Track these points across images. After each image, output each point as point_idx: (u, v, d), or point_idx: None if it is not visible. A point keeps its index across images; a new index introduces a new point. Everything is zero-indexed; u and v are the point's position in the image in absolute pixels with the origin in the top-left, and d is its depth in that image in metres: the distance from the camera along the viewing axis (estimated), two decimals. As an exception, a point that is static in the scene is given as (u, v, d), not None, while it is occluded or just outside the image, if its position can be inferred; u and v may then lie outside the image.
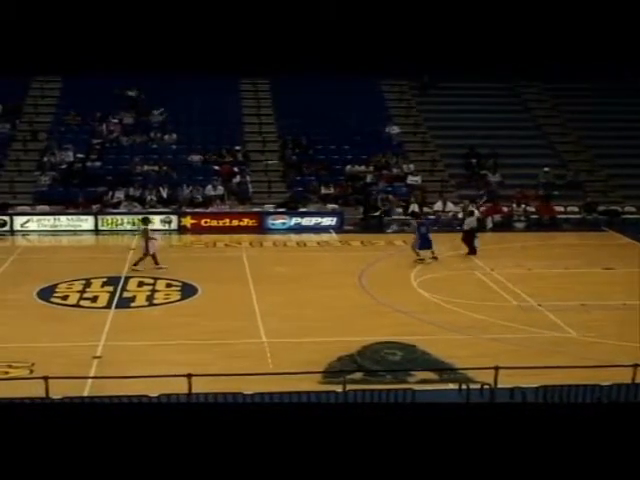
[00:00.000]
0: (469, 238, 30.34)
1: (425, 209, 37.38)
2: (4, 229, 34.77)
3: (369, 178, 40.28)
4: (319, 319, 22.66)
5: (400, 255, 30.59)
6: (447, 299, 24.45)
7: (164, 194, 37.98)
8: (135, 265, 27.60)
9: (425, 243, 29.27)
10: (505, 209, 37.92)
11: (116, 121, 42.92)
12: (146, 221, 29.09)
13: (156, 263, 27.78)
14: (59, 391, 15.92)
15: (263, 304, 24.01)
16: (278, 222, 36.46)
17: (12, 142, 41.76)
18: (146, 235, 27.94)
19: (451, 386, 17.26)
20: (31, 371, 18.48)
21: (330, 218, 36.67)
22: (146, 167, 39.83)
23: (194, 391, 15.79)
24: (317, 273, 28.07)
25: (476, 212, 31.20)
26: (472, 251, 30.15)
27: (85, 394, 16.84)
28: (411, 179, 40.41)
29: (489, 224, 36.28)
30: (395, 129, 43.94)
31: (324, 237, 34.86)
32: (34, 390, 15.84)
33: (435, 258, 29.34)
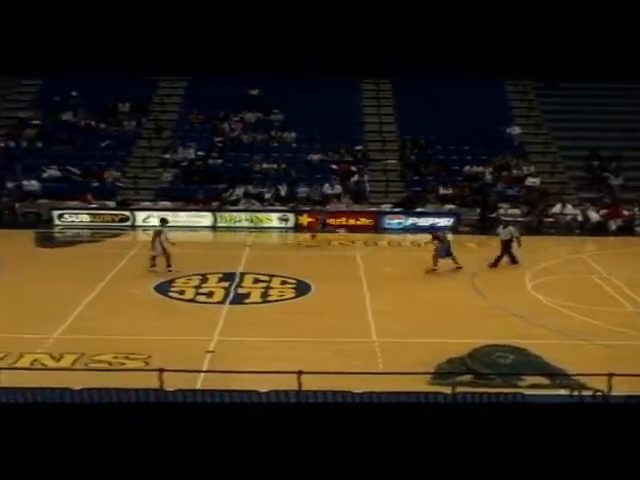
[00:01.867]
0: (507, 248, 28.99)
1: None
2: (126, 224, 35.70)
3: (487, 179, 39.89)
4: (431, 320, 22.59)
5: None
6: (562, 303, 24.04)
7: (282, 192, 38.36)
8: (169, 267, 27.50)
9: (447, 251, 28.43)
10: (626, 213, 37.04)
11: (238, 119, 43.55)
12: (164, 222, 29.18)
13: (152, 266, 27.56)
14: (173, 383, 16.25)
15: (375, 303, 24.07)
16: (394, 222, 36.43)
17: (137, 139, 42.75)
18: (158, 236, 27.71)
19: (562, 392, 16.97)
20: (146, 363, 18.94)
21: (446, 219, 36.45)
22: (265, 165, 40.30)
23: (304, 388, 15.90)
24: (432, 274, 27.91)
25: (511, 227, 29.59)
26: (514, 260, 28.90)
27: (197, 387, 17.14)
28: (530, 181, 39.84)
29: (612, 227, 35.68)
30: (516, 130, 43.37)
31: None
32: (149, 382, 16.22)
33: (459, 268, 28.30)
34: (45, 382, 16.52)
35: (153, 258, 27.55)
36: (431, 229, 32.58)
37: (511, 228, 29.22)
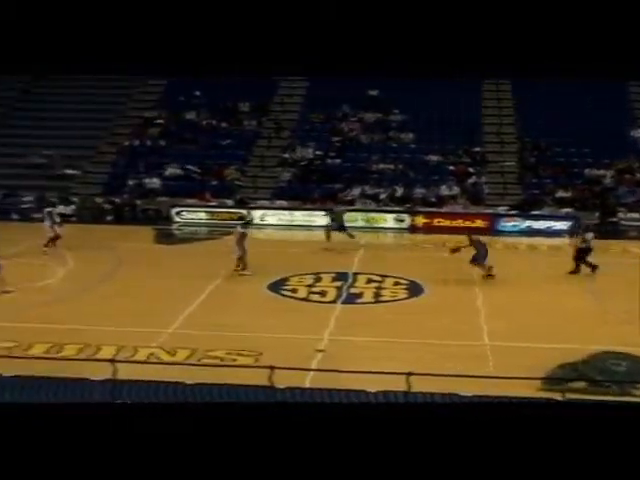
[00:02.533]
0: (581, 254, 27.85)
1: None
2: (242, 223, 36.21)
3: (608, 182, 39.05)
4: (544, 324, 22.26)
5: (634, 263, 29.43)
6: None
7: (398, 193, 38.35)
8: (240, 268, 27.56)
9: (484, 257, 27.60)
10: None
11: (356, 120, 43.73)
12: (244, 222, 29.20)
13: (238, 267, 27.51)
14: (282, 381, 16.44)
15: (488, 306, 23.88)
16: (509, 224, 36.04)
17: (257, 139, 43.34)
18: (240, 237, 27.74)
19: (677, 401, 16.53)
20: (257, 360, 19.20)
21: (564, 222, 35.84)
22: (382, 166, 40.37)
23: (413, 390, 15.88)
24: (546, 277, 27.55)
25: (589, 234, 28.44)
26: (577, 269, 27.94)
27: (306, 386, 17.29)
28: (654, 185, 38.91)
29: None
30: (640, 132, 42.41)
31: (556, 241, 34.10)
32: (259, 378, 16.46)
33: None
34: (158, 376, 17.03)
35: (239, 259, 27.71)
36: (548, 233, 31.81)
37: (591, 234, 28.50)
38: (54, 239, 29.41)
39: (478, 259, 27.31)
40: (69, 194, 38.52)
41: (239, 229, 27.96)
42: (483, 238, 28.54)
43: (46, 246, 28.55)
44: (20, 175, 40.44)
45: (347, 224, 33.13)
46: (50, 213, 30.50)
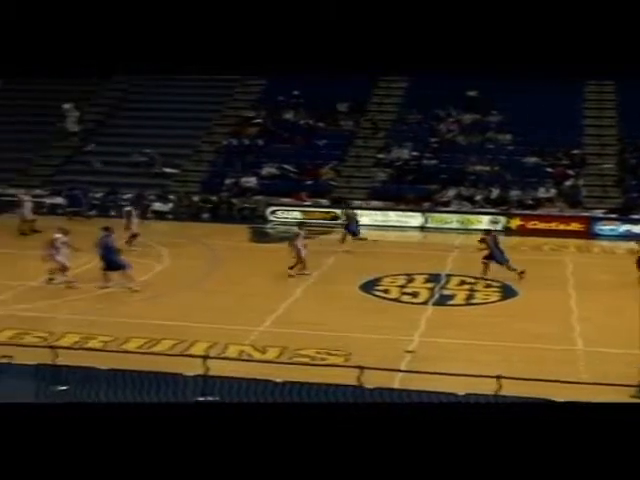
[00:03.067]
0: None
1: None
2: (337, 222, 36.41)
3: None
4: (637, 331, 21.83)
5: None
6: None
7: (494, 194, 38.06)
8: (291, 269, 27.39)
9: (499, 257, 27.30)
10: None
11: (454, 120, 43.51)
12: (301, 225, 29.15)
13: (294, 266, 27.49)
14: (371, 381, 16.52)
15: (582, 311, 23.56)
16: (607, 228, 35.43)
17: (354, 139, 43.45)
18: (296, 239, 27.62)
19: None
20: (347, 359, 19.32)
21: (665, 226, 35.11)
22: (479, 167, 40.09)
23: (501, 393, 15.80)
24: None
25: None
26: None
27: (395, 386, 17.34)
28: None
29: None
30: None
31: (657, 246, 33.31)
32: (347, 378, 16.57)
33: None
34: (249, 373, 17.30)
35: (302, 261, 27.63)
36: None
37: None
38: (134, 236, 30.02)
39: (491, 258, 27.19)
40: (167, 192, 39.26)
41: (297, 229, 28.11)
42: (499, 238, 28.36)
43: (127, 243, 29.21)
44: (121, 173, 41.37)
45: (442, 225, 33.03)
46: (129, 212, 31.18)
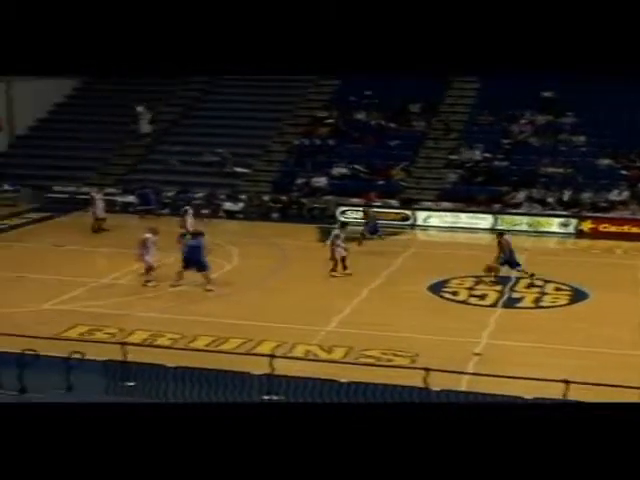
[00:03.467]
0: None
1: None
2: (407, 223, 36.33)
3: None
4: None
5: None
6: None
7: (566, 196, 37.61)
8: (339, 270, 27.38)
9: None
10: None
11: (527, 122, 43.08)
12: (343, 225, 29.05)
13: (344, 268, 27.35)
14: (437, 383, 16.51)
15: (655, 315, 23.21)
16: (681, 231, 34.78)
17: (425, 140, 43.29)
18: (336, 240, 27.48)
19: None
20: (413, 361, 19.31)
21: None
22: (551, 169, 39.64)
23: (569, 398, 15.66)
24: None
25: None
26: None
27: (461, 389, 17.29)
28: None
29: None
30: None
31: None
32: (413, 379, 16.58)
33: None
34: (314, 373, 17.41)
35: (342, 260, 27.64)
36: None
37: None
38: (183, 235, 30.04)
39: (500, 261, 26.82)
40: (238, 192, 39.57)
41: (335, 231, 28.04)
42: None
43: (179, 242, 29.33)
44: (193, 172, 41.83)
45: (512, 227, 32.69)
46: (185, 211, 31.46)
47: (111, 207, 36.56)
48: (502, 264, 26.73)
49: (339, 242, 27.44)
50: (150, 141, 45.05)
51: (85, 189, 39.06)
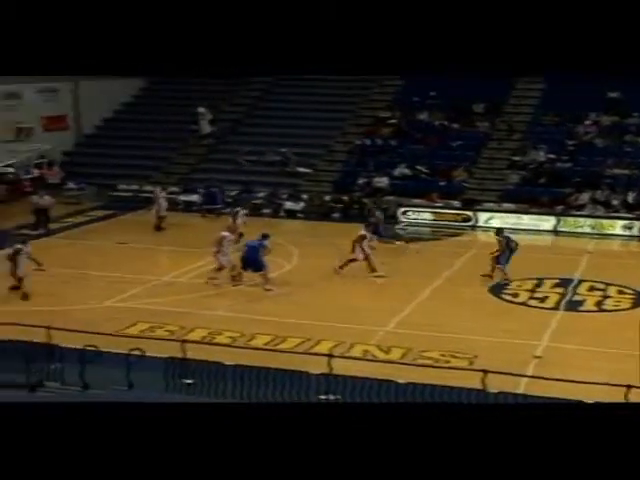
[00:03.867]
0: None
1: None
2: (468, 224, 36.12)
3: None
4: None
5: None
6: None
7: (631, 198, 37.07)
8: (374, 272, 27.18)
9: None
10: None
11: (592, 123, 42.56)
12: (368, 227, 28.95)
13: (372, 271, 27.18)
14: (495, 385, 16.41)
15: None
16: None
17: (488, 140, 43.00)
18: (361, 241, 27.37)
19: None
20: (471, 363, 19.22)
21: None
22: (616, 170, 39.11)
23: (631, 401, 15.46)
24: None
25: None
26: None
27: (520, 391, 17.17)
28: None
29: None
30: None
31: None
32: (471, 381, 16.50)
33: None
34: (372, 373, 17.40)
35: (369, 266, 27.36)
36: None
37: None
38: (240, 235, 30.02)
39: (500, 260, 26.65)
40: (299, 191, 39.66)
41: (362, 231, 28.00)
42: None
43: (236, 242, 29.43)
44: (256, 172, 42.06)
45: (574, 229, 32.30)
46: (236, 212, 31.63)
47: (173, 206, 36.91)
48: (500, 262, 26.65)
49: (365, 243, 27.41)
50: (211, 141, 45.38)
51: (148, 187, 39.51)
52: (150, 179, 41.82)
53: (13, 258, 24.70)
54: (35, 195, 35.19)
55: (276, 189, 39.22)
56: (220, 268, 26.03)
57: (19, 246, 25.04)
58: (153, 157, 44.51)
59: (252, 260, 25.65)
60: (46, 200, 34.49)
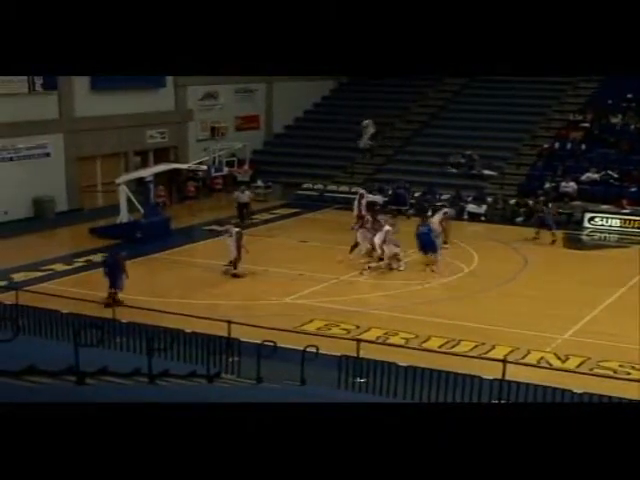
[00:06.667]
0: None
1: None
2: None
3: None
4: None
5: None
6: None
7: None
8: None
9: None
10: None
11: None
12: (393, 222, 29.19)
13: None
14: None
15: None
16: None
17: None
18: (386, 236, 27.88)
19: None
20: None
21: None
22: None
23: None
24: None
25: None
26: None
27: None
28: None
29: None
30: None
31: None
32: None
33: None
34: (544, 380, 17.06)
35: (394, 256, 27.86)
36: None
37: None
38: (362, 219, 30.12)
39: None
40: (484, 194, 39.23)
41: (386, 227, 28.20)
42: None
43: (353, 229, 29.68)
44: (440, 173, 41.94)
45: None
46: (362, 195, 32.42)
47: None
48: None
49: (390, 237, 27.90)
50: (368, 156, 45.20)
51: (332, 187, 40.03)
52: (334, 179, 42.39)
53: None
54: (236, 191, 36.81)
55: (460, 191, 38.94)
56: (393, 256, 27.32)
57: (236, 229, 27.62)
58: (338, 157, 45.04)
59: (429, 243, 27.63)
60: (246, 195, 36.31)
